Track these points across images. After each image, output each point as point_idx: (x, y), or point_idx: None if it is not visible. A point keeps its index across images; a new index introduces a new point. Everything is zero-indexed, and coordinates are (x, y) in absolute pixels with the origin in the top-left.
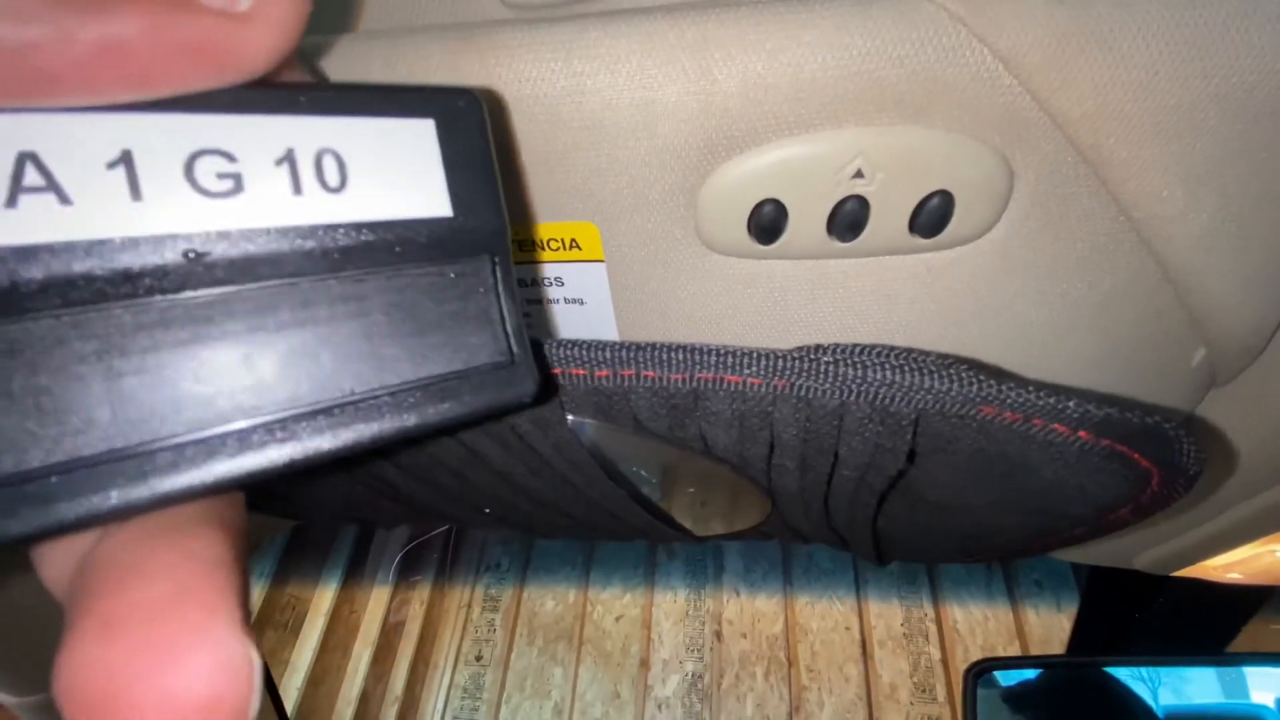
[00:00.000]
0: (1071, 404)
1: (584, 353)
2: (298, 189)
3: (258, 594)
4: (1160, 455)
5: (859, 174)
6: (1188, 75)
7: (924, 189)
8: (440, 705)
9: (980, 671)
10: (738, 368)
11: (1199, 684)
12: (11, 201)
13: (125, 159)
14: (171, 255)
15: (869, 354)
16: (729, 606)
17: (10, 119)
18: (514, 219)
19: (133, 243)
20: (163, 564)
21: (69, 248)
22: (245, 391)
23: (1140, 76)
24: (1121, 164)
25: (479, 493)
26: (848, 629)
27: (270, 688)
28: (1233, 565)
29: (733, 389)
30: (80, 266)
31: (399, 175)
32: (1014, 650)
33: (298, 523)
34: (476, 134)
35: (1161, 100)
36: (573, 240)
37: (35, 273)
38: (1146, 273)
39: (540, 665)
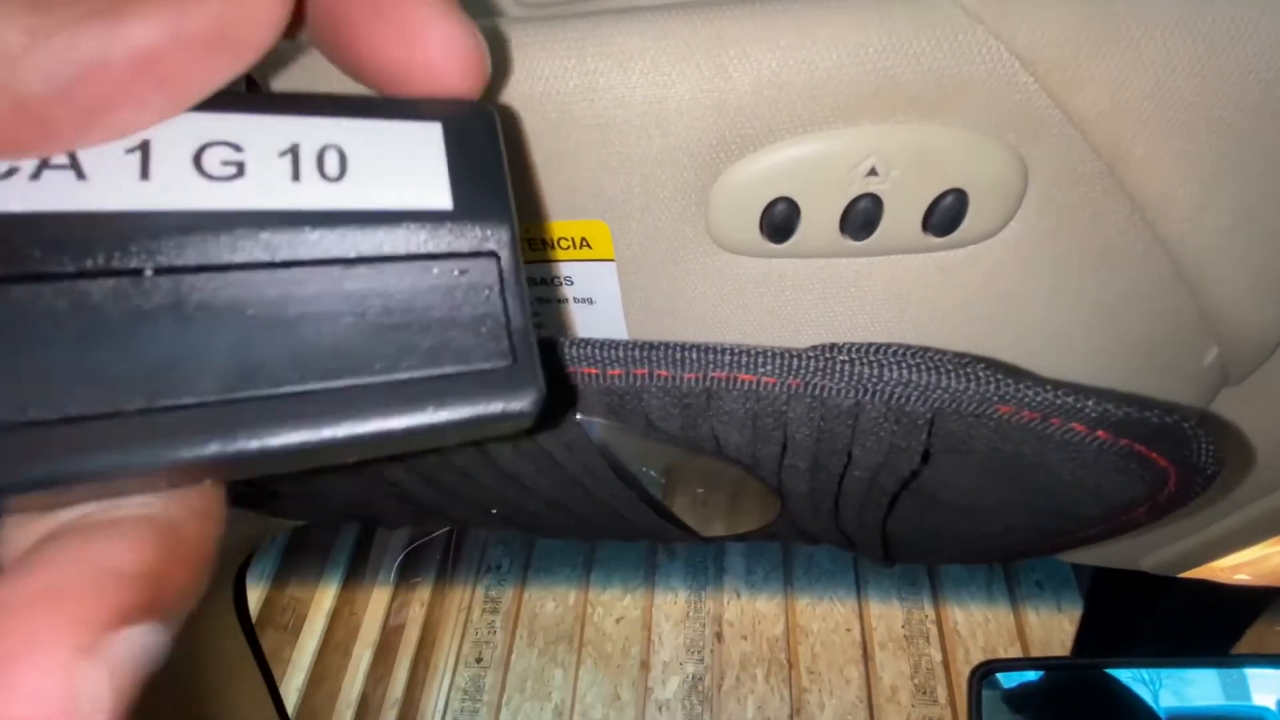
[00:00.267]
0: (1090, 403)
1: (596, 351)
2: (296, 177)
3: (258, 594)
4: (1178, 454)
5: (873, 172)
6: (1204, 73)
7: (938, 187)
8: (440, 707)
9: (985, 673)
10: (752, 366)
11: (1200, 686)
12: (36, 175)
13: (143, 146)
14: (166, 231)
15: (885, 353)
16: (729, 608)
17: None
18: (524, 217)
19: (132, 217)
20: (48, 560)
21: (78, 217)
22: (220, 370)
23: (1157, 74)
24: (1137, 162)
25: (486, 493)
26: (848, 630)
27: (271, 689)
28: (1241, 566)
29: (747, 388)
30: (83, 233)
31: (399, 170)
32: (1015, 651)
33: (298, 524)
34: (486, 140)
35: (1178, 98)
36: (583, 239)
37: (42, 236)
38: (1160, 271)
39: (540, 667)
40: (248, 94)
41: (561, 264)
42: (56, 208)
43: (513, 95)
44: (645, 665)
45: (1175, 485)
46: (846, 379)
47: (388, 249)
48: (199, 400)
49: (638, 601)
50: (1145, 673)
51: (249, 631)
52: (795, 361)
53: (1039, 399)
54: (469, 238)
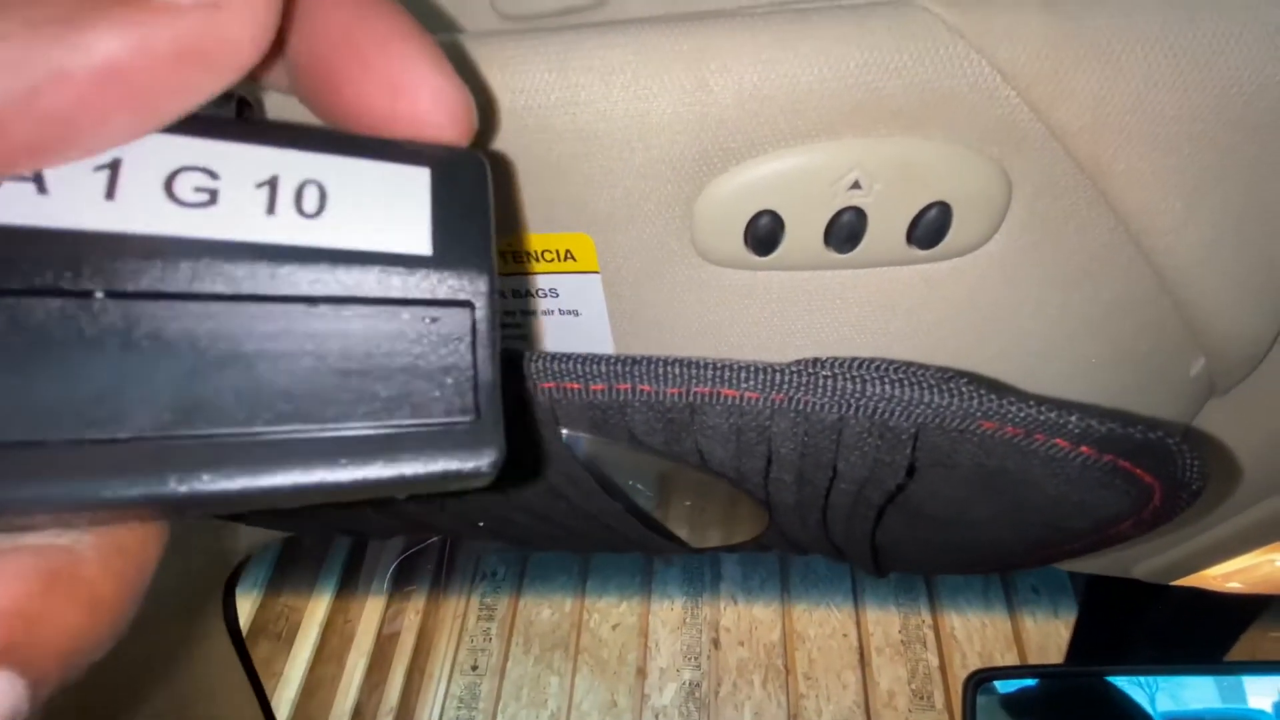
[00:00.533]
0: (1073, 419)
1: (578, 366)
2: (271, 210)
3: (251, 603)
4: (1163, 471)
5: (856, 185)
6: (1186, 87)
7: (921, 200)
8: (436, 715)
9: (979, 681)
10: (735, 381)
11: (1196, 689)
12: None
13: (113, 165)
14: (124, 254)
15: (868, 368)
16: (726, 614)
17: None
18: (508, 229)
19: (90, 237)
20: None
21: (31, 233)
22: (160, 406)
23: (1138, 88)
24: (1120, 176)
25: (472, 505)
26: (845, 636)
27: (261, 700)
28: (1232, 574)
29: (730, 403)
30: (34, 249)
31: (380, 212)
32: (1011, 657)
33: (290, 534)
34: (475, 188)
35: (1160, 112)
36: (567, 251)
37: None
38: (1145, 284)
39: (536, 674)
40: (235, 120)
41: (546, 276)
42: (10, 221)
43: (494, 108)
44: (642, 672)
45: (1160, 500)
46: (829, 394)
47: (357, 291)
48: (132, 435)
49: (634, 608)
50: (1141, 677)
51: (238, 642)
52: (778, 376)
53: (1022, 414)
54: (445, 286)
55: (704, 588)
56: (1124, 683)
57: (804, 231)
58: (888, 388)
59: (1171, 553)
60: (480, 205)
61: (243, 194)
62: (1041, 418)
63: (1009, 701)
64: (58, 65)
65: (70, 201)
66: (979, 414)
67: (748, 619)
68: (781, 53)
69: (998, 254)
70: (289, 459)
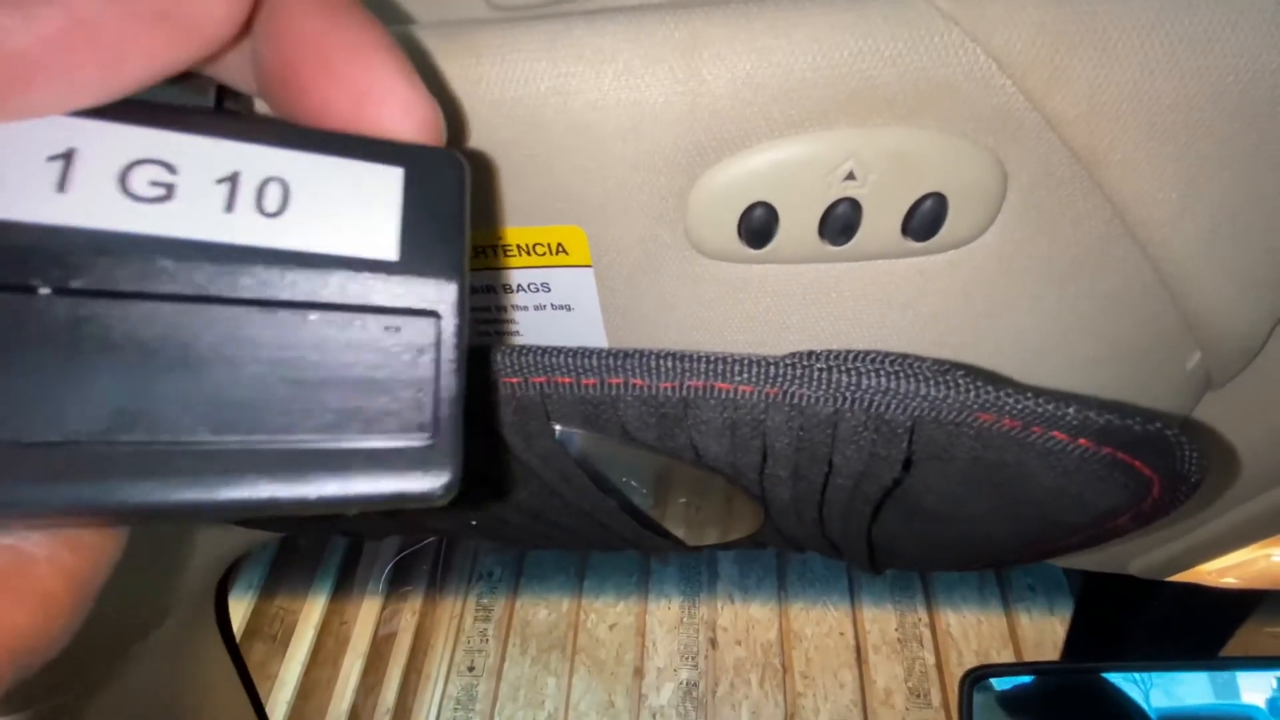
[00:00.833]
0: (1071, 410)
1: (569, 360)
2: (230, 207)
3: (246, 605)
4: (1162, 463)
5: (850, 176)
6: (1183, 75)
7: (917, 191)
8: (433, 717)
9: (976, 680)
10: (728, 375)
11: (1191, 685)
12: None
13: (67, 155)
14: (72, 249)
15: (863, 360)
16: (723, 613)
17: None
18: (498, 222)
19: (37, 230)
20: None
21: None
22: (100, 409)
23: (1134, 76)
24: (1116, 165)
25: (461, 504)
26: (842, 634)
27: (256, 703)
28: (1228, 570)
29: (724, 396)
30: None
31: (346, 212)
32: (1008, 654)
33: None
34: (451, 192)
35: (1156, 100)
36: (559, 245)
37: None
38: (1141, 276)
39: (534, 675)
40: (203, 111)
41: (538, 270)
42: None
43: (484, 98)
44: (639, 672)
45: (1159, 493)
46: (824, 386)
47: (315, 296)
48: (67, 439)
49: (631, 608)
50: (1136, 673)
51: (231, 644)
52: (772, 369)
53: (1019, 406)
54: (410, 294)
55: (701, 587)
56: (1119, 679)
57: (798, 223)
58: (883, 380)
59: (1167, 548)
60: (455, 209)
61: (201, 190)
62: (1039, 410)
63: (1005, 699)
64: (32, 9)
65: (19, 192)
66: (976, 406)
67: (745, 618)
68: (775, 40)
69: (994, 246)
70: (229, 472)
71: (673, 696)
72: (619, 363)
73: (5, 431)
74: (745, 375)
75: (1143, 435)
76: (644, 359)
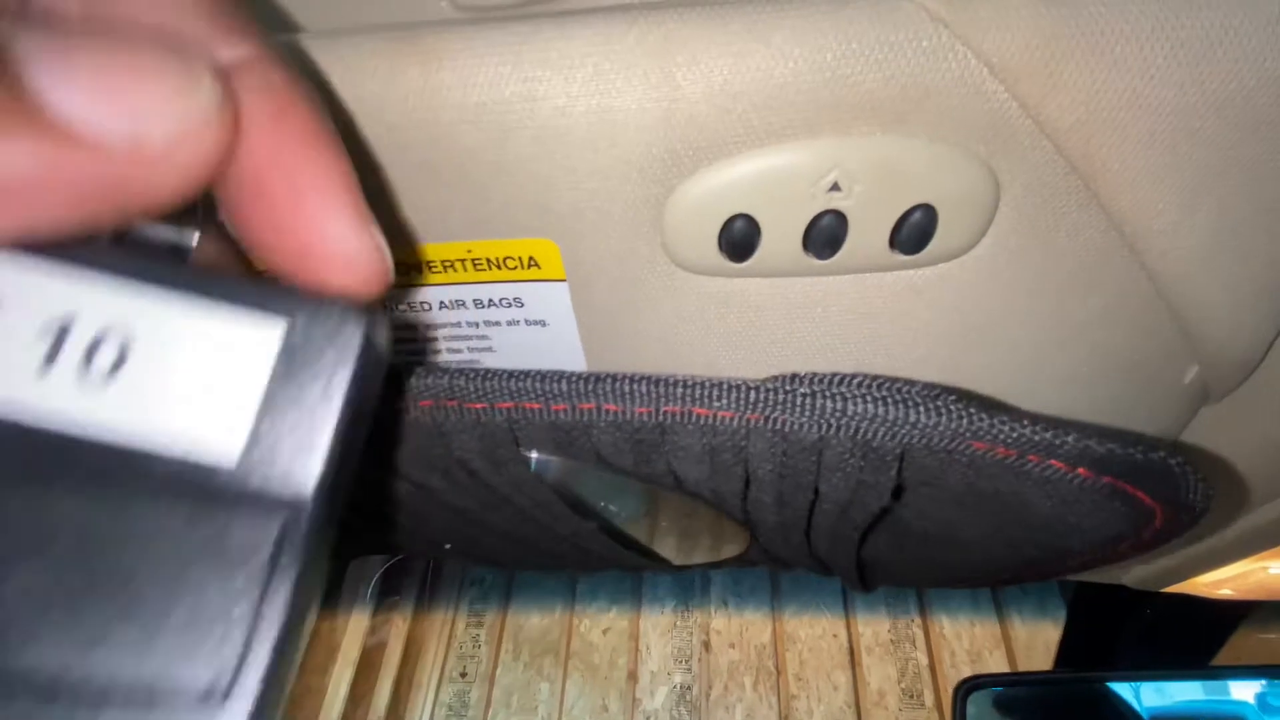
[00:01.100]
0: (1070, 439)
1: (537, 385)
2: (51, 360)
3: None
4: (1165, 493)
5: (835, 187)
6: (1183, 81)
7: (905, 202)
8: None
9: (970, 689)
10: (707, 400)
11: (1181, 683)
12: None
13: None
14: None
15: (849, 384)
16: (717, 617)
17: None
18: (466, 234)
19: None
20: None
21: None
22: None
23: (1133, 82)
24: (1113, 175)
25: (434, 527)
26: (835, 636)
27: None
28: (1224, 582)
29: (702, 422)
30: None
31: (195, 377)
32: (1000, 655)
33: None
34: (337, 359)
35: (1156, 108)
36: (530, 259)
37: None
38: (1139, 289)
39: (526, 680)
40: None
41: (509, 284)
42: None
43: (445, 104)
44: (633, 676)
45: (1161, 523)
46: (808, 413)
47: (127, 481)
48: None
49: (624, 612)
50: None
51: None
52: (753, 394)
53: (1015, 435)
54: (255, 486)
55: (694, 591)
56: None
57: (781, 236)
58: (870, 406)
59: (1164, 561)
60: (336, 382)
61: (20, 337)
62: (1036, 438)
63: (999, 700)
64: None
65: None
66: (969, 434)
67: (738, 621)
68: (753, 44)
69: (986, 258)
70: None
71: (667, 700)
72: (590, 387)
73: None
74: (724, 400)
75: (1145, 465)
76: (616, 383)
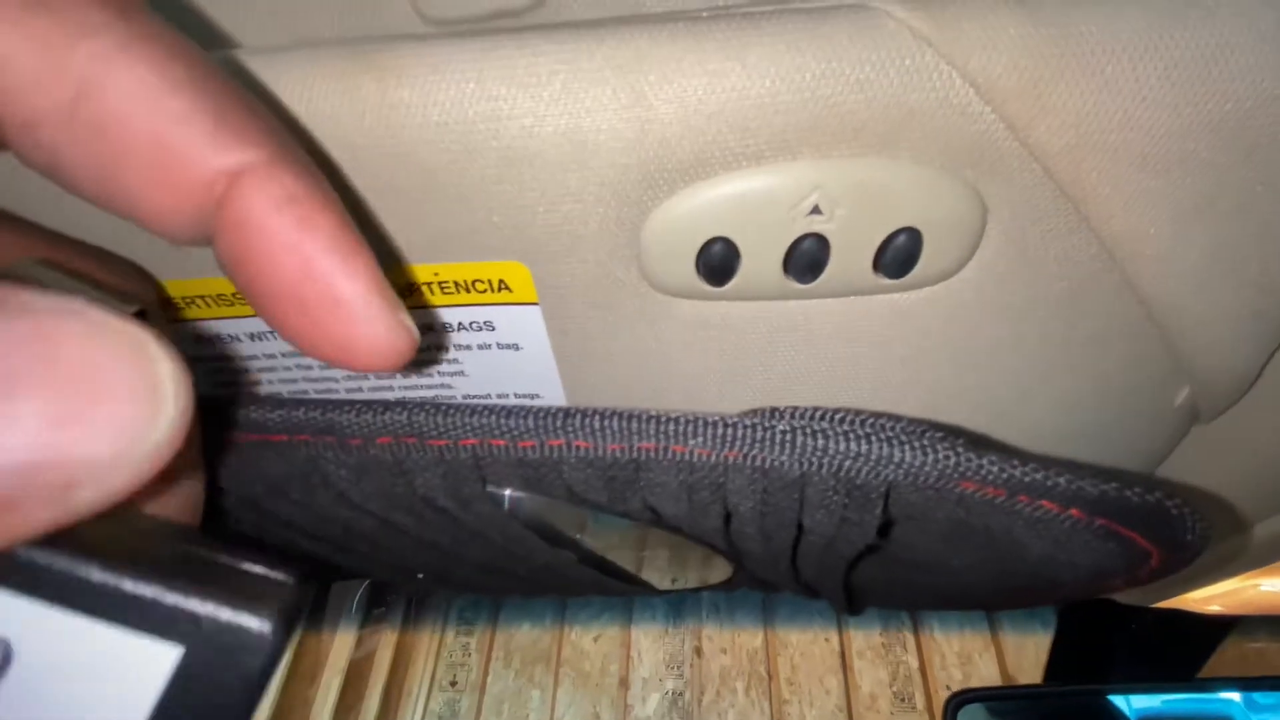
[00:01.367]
0: (1062, 480)
1: (502, 421)
2: None
3: None
4: (1161, 536)
5: (816, 210)
6: (1177, 102)
7: (889, 226)
8: None
9: (961, 703)
10: (682, 437)
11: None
12: None
13: None
14: None
15: (831, 420)
16: (708, 623)
17: None
18: (432, 257)
19: None
20: None
21: None
22: None
23: (1125, 104)
24: (1104, 200)
25: (404, 559)
26: (827, 640)
27: None
28: (1215, 598)
29: (679, 459)
30: None
31: (71, 707)
32: (990, 658)
33: None
34: (240, 690)
35: (1149, 130)
36: (500, 282)
37: None
38: (1130, 314)
39: (517, 688)
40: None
41: (480, 308)
42: None
43: (406, 123)
44: (624, 683)
45: (1158, 563)
46: (789, 450)
47: None
48: None
49: (615, 619)
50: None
51: None
52: (730, 431)
53: (1004, 475)
54: None
55: (686, 597)
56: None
57: (761, 260)
58: (853, 444)
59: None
60: (231, 707)
61: None
62: (1026, 480)
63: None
64: (246, 163)
65: None
66: (956, 474)
67: (730, 626)
68: (727, 62)
69: (972, 283)
70: None
71: (659, 706)
72: (559, 423)
73: None
74: (701, 438)
75: (1140, 507)
76: (586, 419)
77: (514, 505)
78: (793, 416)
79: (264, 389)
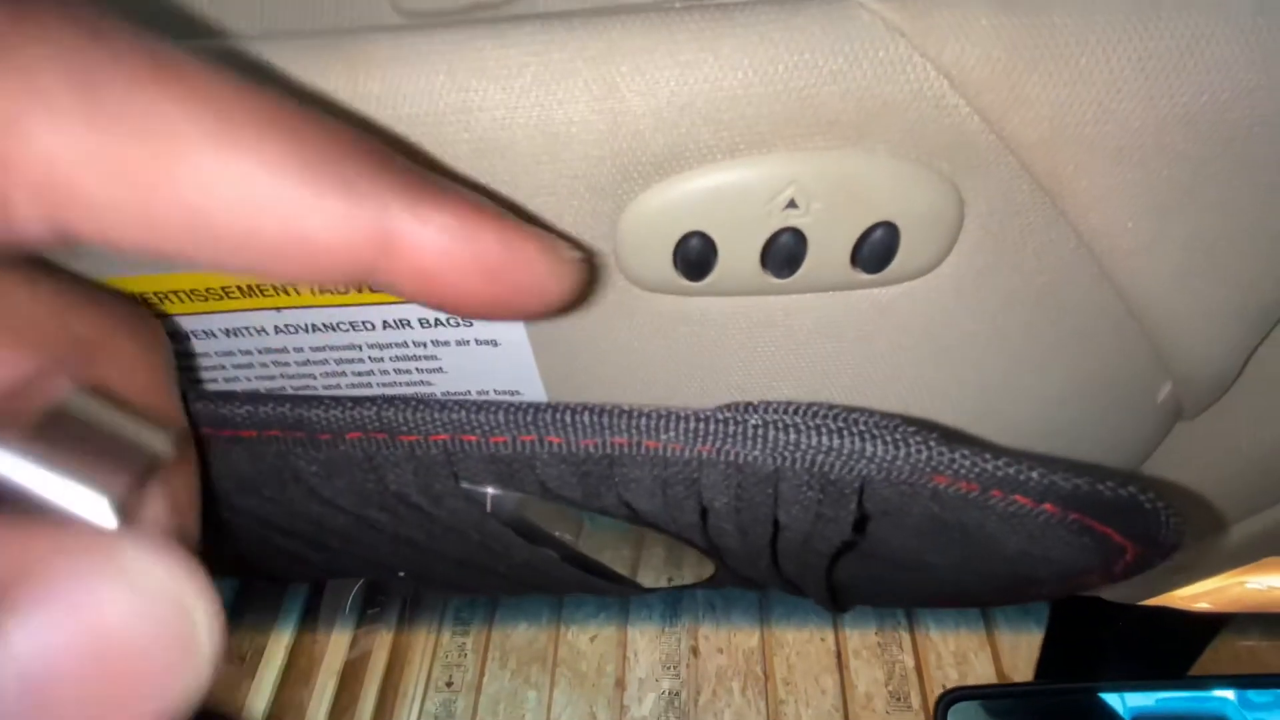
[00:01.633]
0: (1035, 475)
1: (473, 416)
2: None
3: None
4: (1136, 530)
5: (792, 204)
6: (1153, 94)
7: (866, 220)
8: None
9: (952, 701)
10: (655, 432)
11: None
12: None
13: None
14: None
15: (804, 414)
16: (704, 623)
17: None
18: None
19: None
20: None
21: None
22: None
23: (1101, 96)
24: (1081, 193)
25: (380, 556)
26: (823, 640)
27: None
28: (1201, 595)
29: (652, 454)
30: None
31: None
32: (985, 656)
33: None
34: None
35: (1125, 122)
36: None
37: None
38: (1110, 307)
39: (514, 689)
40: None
41: None
42: None
43: (377, 116)
44: (621, 683)
45: (1133, 558)
46: (761, 444)
47: None
48: None
49: (612, 619)
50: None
51: None
52: (703, 426)
53: (977, 470)
54: None
55: (682, 597)
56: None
57: (738, 254)
58: (825, 439)
59: (1139, 578)
60: None
61: None
62: (999, 474)
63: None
64: (387, 225)
65: None
66: (929, 468)
67: (726, 626)
68: (700, 54)
69: (951, 277)
70: None
71: (655, 707)
72: (531, 419)
73: None
74: (673, 433)
75: (1114, 501)
76: (558, 414)
77: (495, 503)
78: (766, 410)
79: (240, 385)
